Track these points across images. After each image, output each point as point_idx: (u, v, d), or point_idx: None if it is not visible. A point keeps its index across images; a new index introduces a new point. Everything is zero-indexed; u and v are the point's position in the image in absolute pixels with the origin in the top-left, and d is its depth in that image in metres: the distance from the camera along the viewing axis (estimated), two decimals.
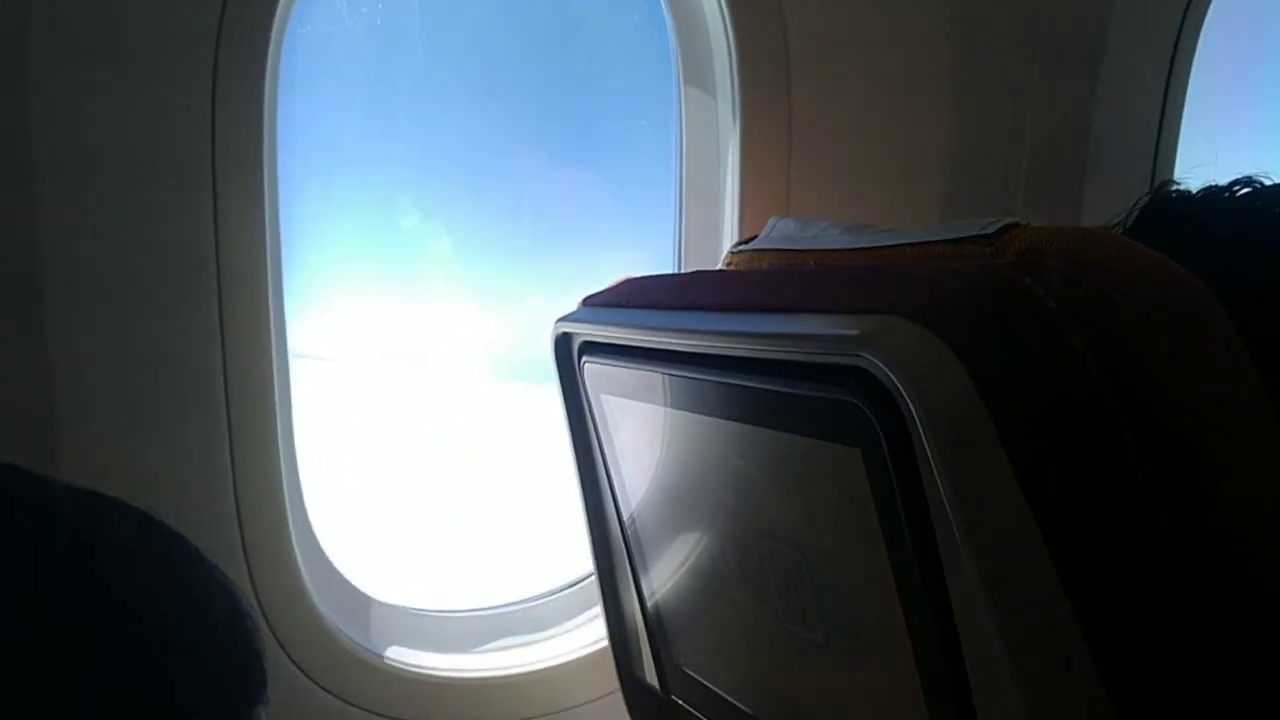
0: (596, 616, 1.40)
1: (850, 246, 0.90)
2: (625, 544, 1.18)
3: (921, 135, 1.49)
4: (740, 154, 1.42)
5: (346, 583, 1.42)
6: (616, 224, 1.67)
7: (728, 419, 0.89)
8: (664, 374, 0.97)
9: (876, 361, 0.66)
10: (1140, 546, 0.66)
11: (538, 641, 1.50)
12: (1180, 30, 1.53)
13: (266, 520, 1.28)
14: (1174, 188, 0.85)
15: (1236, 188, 0.83)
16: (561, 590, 1.55)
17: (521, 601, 1.54)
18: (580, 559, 1.50)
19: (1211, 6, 1.54)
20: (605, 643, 1.31)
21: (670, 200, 1.54)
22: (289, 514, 1.30)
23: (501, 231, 1.66)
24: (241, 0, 1.16)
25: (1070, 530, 0.64)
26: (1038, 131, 1.51)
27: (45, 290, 1.13)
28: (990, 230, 0.73)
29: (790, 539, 0.86)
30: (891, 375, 0.65)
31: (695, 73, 1.46)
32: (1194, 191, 0.85)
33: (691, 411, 0.95)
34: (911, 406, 0.65)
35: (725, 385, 0.87)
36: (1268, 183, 0.85)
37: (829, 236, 0.96)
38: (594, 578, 1.29)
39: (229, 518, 1.25)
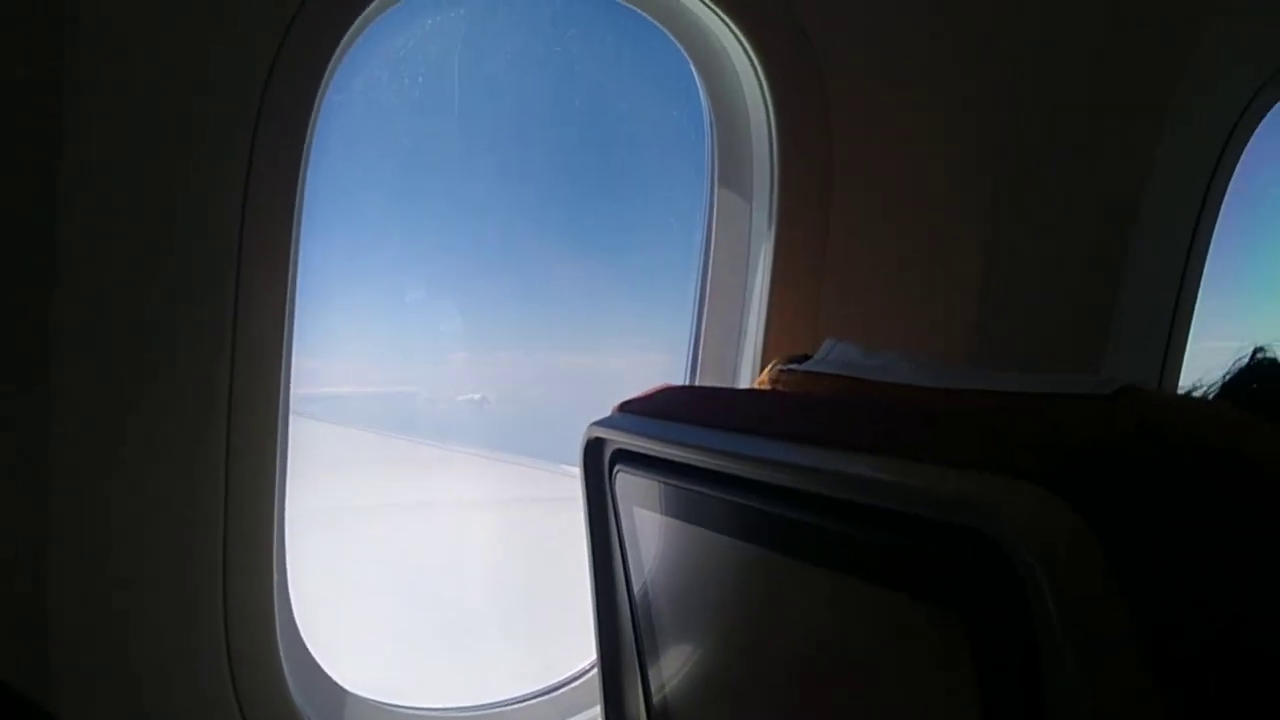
0: None
1: (930, 385, 0.86)
2: (640, 666, 1.11)
3: (958, 266, 1.48)
4: (772, 261, 1.39)
5: (325, 676, 1.33)
6: (628, 321, 1.64)
7: (788, 555, 0.84)
8: (714, 497, 0.91)
9: (999, 525, 0.62)
10: None
11: None
12: (1204, 202, 1.58)
13: (252, 610, 1.19)
14: (1269, 354, 0.83)
15: None
16: (544, 694, 1.48)
17: (501, 703, 1.46)
18: (554, 659, 1.45)
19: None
20: None
21: (688, 302, 1.51)
22: (275, 604, 1.22)
23: (508, 316, 1.62)
24: (289, 61, 1.12)
25: None
26: (1073, 273, 1.51)
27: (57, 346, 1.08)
28: (1107, 391, 0.70)
29: (854, 691, 0.81)
30: (1016, 542, 0.61)
31: (731, 174, 1.44)
32: None
33: (743, 540, 0.89)
34: (1038, 577, 0.61)
35: (792, 520, 0.82)
36: None
37: (900, 370, 0.92)
38: (593, 675, 1.22)
39: (214, 604, 1.16)
